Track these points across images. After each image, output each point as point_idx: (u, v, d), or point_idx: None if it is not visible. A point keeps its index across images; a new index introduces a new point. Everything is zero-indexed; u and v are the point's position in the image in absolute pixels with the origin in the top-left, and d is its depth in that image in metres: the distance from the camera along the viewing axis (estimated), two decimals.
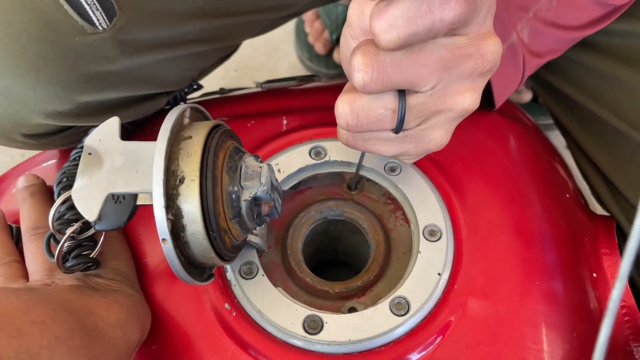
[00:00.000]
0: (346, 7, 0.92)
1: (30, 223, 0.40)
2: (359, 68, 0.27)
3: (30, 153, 0.49)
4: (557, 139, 0.55)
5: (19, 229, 0.42)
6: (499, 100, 0.41)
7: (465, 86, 0.30)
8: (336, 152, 0.42)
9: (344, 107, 0.29)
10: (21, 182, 0.43)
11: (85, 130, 0.43)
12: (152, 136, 0.29)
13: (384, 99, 0.29)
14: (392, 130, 0.31)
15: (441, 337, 0.35)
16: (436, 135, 0.32)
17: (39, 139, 0.40)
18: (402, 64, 0.27)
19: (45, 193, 0.43)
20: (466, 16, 0.25)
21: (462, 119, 0.32)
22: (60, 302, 0.31)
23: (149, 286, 0.38)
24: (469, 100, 0.30)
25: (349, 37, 0.31)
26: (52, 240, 0.36)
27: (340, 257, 0.49)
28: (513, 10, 0.39)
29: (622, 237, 0.46)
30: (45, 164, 0.49)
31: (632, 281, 0.44)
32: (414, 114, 0.30)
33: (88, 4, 0.34)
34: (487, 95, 0.42)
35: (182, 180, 0.29)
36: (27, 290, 0.31)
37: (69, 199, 0.36)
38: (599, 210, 0.49)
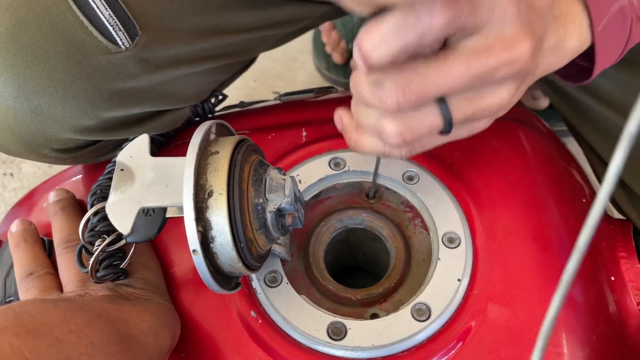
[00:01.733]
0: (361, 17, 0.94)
1: (62, 236, 0.41)
2: (390, 94, 0.27)
3: (58, 165, 0.51)
4: (574, 144, 0.55)
5: (51, 242, 0.44)
6: (599, 67, 0.37)
7: (499, 88, 0.29)
8: (355, 162, 0.43)
9: (390, 127, 0.29)
10: (52, 196, 0.45)
11: (114, 144, 0.45)
12: (181, 148, 0.31)
13: (427, 110, 0.29)
14: (441, 132, 0.31)
15: (462, 342, 0.36)
16: (480, 125, 0.32)
17: (69, 153, 0.42)
18: (430, 77, 0.27)
19: (75, 207, 0.45)
20: (459, 18, 0.25)
21: (503, 111, 0.32)
22: (95, 311, 0.32)
23: (178, 295, 0.40)
24: (502, 98, 0.29)
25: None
26: (83, 251, 0.38)
27: (361, 264, 0.51)
28: None
29: None
30: (74, 179, 0.51)
31: None
32: (459, 114, 0.30)
33: (111, 25, 0.36)
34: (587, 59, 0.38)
35: (210, 194, 0.30)
36: (64, 300, 0.33)
37: (101, 210, 0.38)
38: (615, 215, 0.50)
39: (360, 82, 0.29)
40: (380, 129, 0.30)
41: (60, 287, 0.39)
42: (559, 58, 0.33)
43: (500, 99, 0.29)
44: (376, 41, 0.25)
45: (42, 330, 0.28)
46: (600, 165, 0.50)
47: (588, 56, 0.35)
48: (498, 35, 0.27)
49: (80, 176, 0.51)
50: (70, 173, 0.52)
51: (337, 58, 1.00)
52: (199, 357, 0.37)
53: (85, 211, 0.38)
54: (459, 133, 0.32)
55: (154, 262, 0.40)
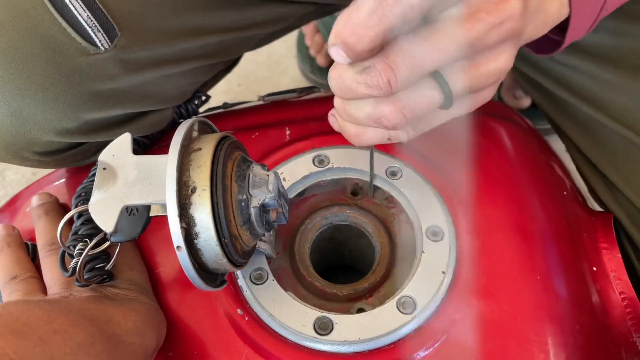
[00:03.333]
0: None
1: (46, 239, 0.41)
2: (379, 77, 0.26)
3: (41, 172, 0.51)
4: (557, 144, 0.56)
5: (34, 247, 0.44)
6: (571, 35, 0.36)
7: (494, 51, 0.28)
8: (339, 159, 0.43)
9: (389, 109, 0.29)
10: (35, 200, 0.45)
11: (97, 146, 0.45)
12: (165, 149, 0.31)
13: (424, 85, 0.28)
14: (441, 107, 0.30)
15: (448, 333, 0.36)
16: (484, 95, 0.31)
17: (51, 156, 0.42)
18: (417, 52, 0.26)
19: (59, 210, 0.45)
20: None
21: (503, 76, 0.30)
22: (80, 311, 0.32)
23: (163, 296, 0.40)
24: (502, 61, 0.29)
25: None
26: (66, 254, 0.37)
27: (347, 262, 0.51)
28: None
29: (623, 231, 0.47)
30: (57, 183, 0.51)
31: (632, 274, 0.45)
32: (457, 85, 0.29)
33: (89, 26, 0.36)
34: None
35: (193, 190, 0.30)
36: (47, 301, 0.33)
37: (84, 213, 0.38)
38: (596, 208, 0.51)
39: (344, 76, 0.28)
40: (379, 114, 0.29)
41: (44, 290, 0.39)
42: (543, 22, 0.32)
43: (499, 63, 0.29)
44: (357, 29, 0.25)
45: (26, 331, 0.28)
46: (582, 160, 0.51)
47: (560, 28, 0.35)
48: (481, 0, 0.26)
49: (63, 180, 0.50)
50: (52, 177, 0.52)
51: (321, 61, 1.00)
52: (186, 357, 0.37)
53: None
54: (463, 107, 0.31)
55: (139, 263, 0.40)
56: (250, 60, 1.03)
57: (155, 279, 0.40)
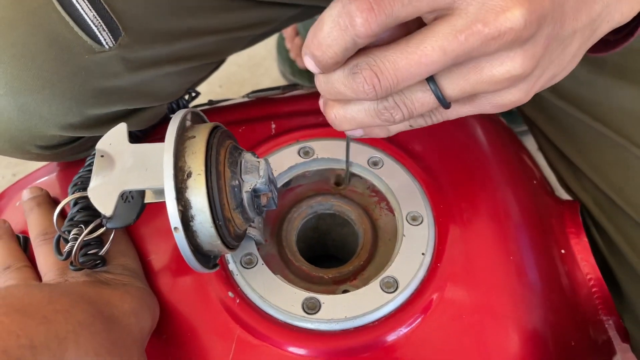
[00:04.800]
0: None
1: (39, 230, 0.42)
2: (366, 83, 0.27)
3: (21, 173, 0.51)
4: (528, 143, 0.59)
5: (26, 239, 0.45)
6: None
7: (495, 58, 0.26)
8: (323, 150, 0.45)
9: (383, 104, 0.29)
10: (26, 193, 0.46)
11: (93, 141, 0.46)
12: (158, 141, 0.33)
13: (417, 87, 0.28)
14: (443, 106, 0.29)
15: (429, 310, 0.38)
16: (504, 98, 0.29)
17: (52, 149, 0.43)
18: (403, 62, 0.26)
19: (50, 202, 0.46)
20: (382, 22, 0.24)
21: (520, 82, 0.28)
22: (79, 293, 0.34)
23: (156, 281, 0.41)
24: (504, 66, 0.26)
25: None
26: (61, 241, 0.39)
27: (331, 252, 0.53)
28: None
29: (590, 217, 0.50)
30: (44, 179, 0.52)
31: (599, 258, 0.48)
32: (455, 89, 0.28)
33: (95, 25, 0.37)
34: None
35: (189, 175, 0.32)
36: (47, 285, 0.34)
37: (79, 201, 0.39)
38: (564, 196, 0.54)
39: (332, 80, 0.28)
40: (373, 113, 0.29)
41: (38, 279, 0.40)
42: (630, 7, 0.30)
43: (507, 67, 0.26)
44: (321, 44, 0.26)
45: (30, 310, 0.29)
46: (553, 151, 0.54)
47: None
48: (480, 9, 0.24)
49: (50, 176, 0.51)
50: (38, 174, 0.53)
51: (301, 63, 1.03)
52: (179, 338, 0.39)
53: None
54: (468, 109, 0.30)
55: (131, 250, 0.41)
56: (231, 62, 1.04)
57: (147, 266, 0.42)
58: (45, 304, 0.31)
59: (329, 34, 0.26)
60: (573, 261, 0.46)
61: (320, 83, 0.29)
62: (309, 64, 0.28)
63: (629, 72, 0.47)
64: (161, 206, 0.35)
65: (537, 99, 0.54)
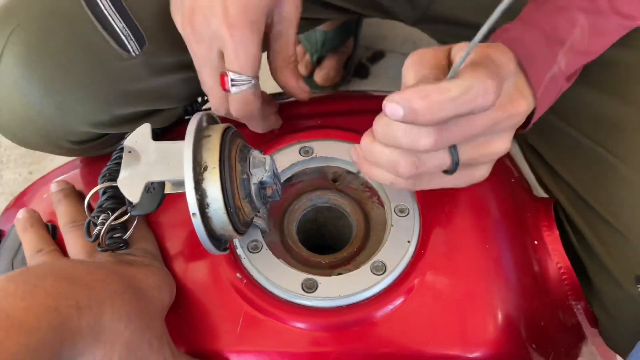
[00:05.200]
0: (323, 32, 1.03)
1: (68, 218, 0.47)
2: (429, 135, 0.32)
3: (38, 172, 0.56)
4: (513, 145, 0.64)
5: (54, 227, 0.50)
6: (537, 117, 0.44)
7: (501, 136, 0.36)
8: (322, 150, 0.51)
9: (406, 160, 0.35)
10: (54, 186, 0.51)
11: (117, 138, 0.52)
12: (176, 139, 0.38)
13: (441, 153, 0.36)
14: (446, 172, 0.37)
15: (413, 290, 0.43)
16: (481, 172, 0.39)
17: (81, 144, 0.48)
18: (454, 132, 0.33)
19: (77, 195, 0.51)
20: (497, 98, 0.32)
21: (499, 156, 0.38)
22: (110, 269, 0.39)
23: (172, 265, 0.46)
24: (505, 144, 0.37)
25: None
26: (91, 225, 0.44)
27: (328, 243, 0.58)
28: (553, 45, 0.43)
29: (564, 213, 0.56)
30: (67, 175, 0.57)
31: (571, 250, 0.53)
32: (464, 157, 0.36)
33: (124, 36, 0.43)
34: None
35: (205, 168, 0.37)
36: (84, 261, 0.39)
37: (107, 190, 0.44)
38: (542, 195, 0.59)
39: (394, 127, 0.33)
40: (396, 162, 0.35)
41: None
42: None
43: (502, 145, 0.36)
44: (434, 106, 0.30)
45: (75, 279, 0.35)
46: (532, 154, 0.60)
47: None
48: (505, 94, 0.34)
49: (74, 172, 0.57)
50: (57, 173, 0.58)
51: (302, 70, 1.08)
52: (194, 313, 0.44)
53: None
54: (459, 180, 0.39)
55: (151, 235, 0.47)
56: None
57: (164, 251, 0.47)
58: (85, 275, 0.36)
59: (454, 99, 0.30)
60: (545, 251, 0.51)
61: (380, 125, 0.35)
62: (393, 112, 0.31)
63: (602, 83, 0.52)
64: (175, 200, 0.40)
65: None
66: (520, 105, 0.34)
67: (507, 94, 0.34)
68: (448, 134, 0.33)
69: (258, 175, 0.40)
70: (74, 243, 0.45)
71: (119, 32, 0.43)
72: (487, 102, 0.31)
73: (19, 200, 0.58)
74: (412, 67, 0.35)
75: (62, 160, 0.58)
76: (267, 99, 0.52)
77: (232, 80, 0.40)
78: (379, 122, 0.35)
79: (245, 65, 0.40)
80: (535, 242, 0.51)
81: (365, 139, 0.38)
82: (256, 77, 0.42)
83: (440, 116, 0.30)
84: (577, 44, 0.44)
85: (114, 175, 0.44)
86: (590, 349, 0.55)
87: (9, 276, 0.33)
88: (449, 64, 0.37)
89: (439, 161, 0.36)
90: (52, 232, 0.50)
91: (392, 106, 0.30)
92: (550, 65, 0.43)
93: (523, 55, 0.38)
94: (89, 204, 0.44)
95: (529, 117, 0.41)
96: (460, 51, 0.36)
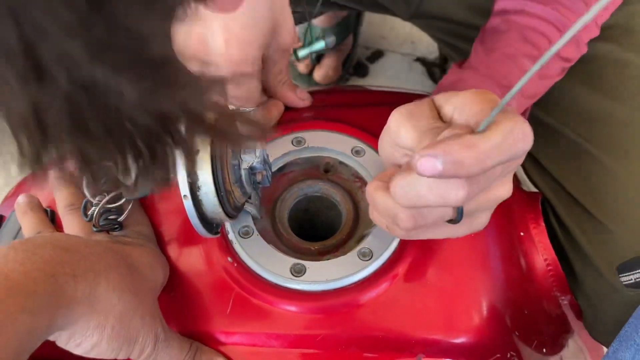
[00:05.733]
0: (321, 28, 1.04)
1: (66, 202, 0.49)
2: (459, 189, 0.31)
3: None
4: None
5: (52, 212, 0.52)
6: None
7: (503, 181, 0.35)
8: (313, 140, 0.52)
9: (405, 214, 0.34)
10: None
11: None
12: None
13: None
14: (450, 221, 0.35)
15: (399, 275, 0.45)
16: (482, 220, 0.38)
17: None
18: (482, 181, 0.32)
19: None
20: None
21: (499, 202, 0.37)
22: (106, 245, 0.40)
23: (166, 248, 0.48)
24: (507, 188, 0.35)
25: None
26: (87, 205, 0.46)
27: (319, 233, 0.59)
28: (505, 92, 0.43)
29: (550, 207, 0.57)
30: None
31: (557, 243, 0.55)
32: (467, 208, 0.35)
33: None
34: None
35: (197, 152, 0.39)
36: (80, 236, 0.41)
37: None
38: (531, 188, 0.60)
39: (417, 186, 0.31)
40: (395, 214, 0.34)
41: None
42: None
43: (504, 190, 0.35)
44: (481, 156, 0.28)
45: (72, 249, 0.36)
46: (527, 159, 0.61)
47: None
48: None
49: None
50: None
51: (302, 68, 1.10)
52: (186, 296, 0.45)
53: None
54: (459, 230, 0.37)
55: (145, 219, 0.48)
56: None
57: (159, 235, 0.49)
58: (83, 247, 0.38)
59: (499, 146, 0.29)
60: (530, 243, 0.52)
61: (400, 187, 0.32)
62: (430, 167, 0.28)
63: (587, 78, 0.54)
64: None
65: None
66: (520, 146, 0.31)
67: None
68: (478, 184, 0.31)
69: (248, 160, 0.41)
70: (72, 224, 0.46)
71: None
72: (527, 145, 0.30)
73: (20, 188, 0.60)
74: (407, 122, 0.34)
75: None
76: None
77: None
78: (398, 184, 0.32)
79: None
80: (522, 234, 0.52)
81: (370, 185, 0.37)
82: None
83: (487, 165, 0.29)
84: (526, 89, 0.47)
85: None
86: (577, 343, 0.57)
87: (10, 244, 0.34)
88: (438, 113, 0.36)
89: (441, 213, 0.34)
90: (51, 217, 0.51)
91: (427, 161, 0.28)
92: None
93: None
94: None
95: None
96: (445, 102, 0.35)
